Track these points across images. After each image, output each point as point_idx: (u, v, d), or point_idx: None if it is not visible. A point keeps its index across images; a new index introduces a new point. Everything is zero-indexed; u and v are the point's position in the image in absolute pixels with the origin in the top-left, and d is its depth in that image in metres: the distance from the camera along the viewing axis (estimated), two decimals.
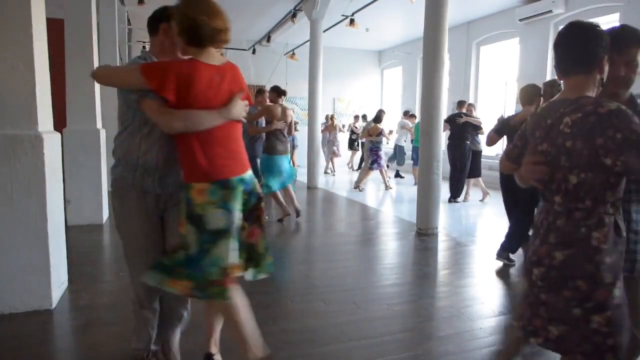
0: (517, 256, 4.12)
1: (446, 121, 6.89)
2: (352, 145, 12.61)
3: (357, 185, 9.03)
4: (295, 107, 12.84)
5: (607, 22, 7.73)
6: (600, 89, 1.49)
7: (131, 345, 2.19)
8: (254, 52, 12.45)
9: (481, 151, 7.60)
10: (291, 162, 10.93)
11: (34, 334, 2.60)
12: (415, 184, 7.81)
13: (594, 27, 1.45)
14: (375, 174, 9.36)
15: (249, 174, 1.90)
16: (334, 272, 3.90)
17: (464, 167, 7.45)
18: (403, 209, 7.27)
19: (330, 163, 12.30)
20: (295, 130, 10.82)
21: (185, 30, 1.76)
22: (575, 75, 1.46)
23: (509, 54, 9.72)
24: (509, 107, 9.43)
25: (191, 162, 1.80)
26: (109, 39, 8.10)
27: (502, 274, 3.91)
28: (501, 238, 4.14)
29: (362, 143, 10.82)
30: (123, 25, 10.11)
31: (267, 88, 5.94)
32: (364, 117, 12.26)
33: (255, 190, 1.93)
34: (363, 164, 9.98)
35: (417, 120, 9.19)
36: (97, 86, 5.37)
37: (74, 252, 3.78)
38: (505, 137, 4.16)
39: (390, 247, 4.92)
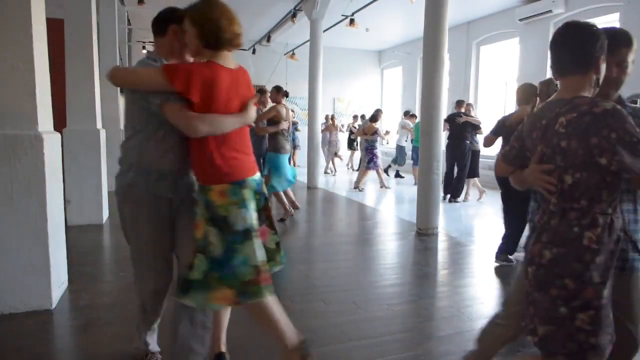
0: (517, 256, 4.12)
1: (446, 121, 6.90)
2: (351, 145, 12.62)
3: (357, 186, 9.03)
4: (295, 107, 12.84)
5: (607, 22, 7.72)
6: (596, 89, 1.49)
7: (133, 344, 2.20)
8: (254, 52, 12.45)
9: (479, 151, 7.60)
10: (292, 161, 10.98)
11: (34, 334, 2.60)
12: (415, 184, 7.81)
13: (590, 27, 1.45)
14: (374, 173, 9.35)
15: (258, 174, 1.94)
16: (334, 272, 3.90)
17: (464, 166, 7.45)
18: (403, 209, 7.27)
19: (330, 163, 12.30)
20: (297, 130, 10.87)
21: (206, 33, 1.77)
22: (571, 75, 1.47)
23: (509, 54, 9.72)
24: (509, 107, 9.43)
25: (209, 164, 1.81)
26: (109, 39, 8.09)
27: (502, 273, 3.91)
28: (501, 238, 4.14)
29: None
30: (123, 25, 10.11)
31: (268, 88, 5.95)
32: (363, 117, 12.27)
33: (263, 191, 1.97)
34: (361, 164, 10.00)
35: (418, 120, 9.19)
36: (97, 86, 5.37)
37: (74, 252, 3.78)
38: (501, 138, 4.12)
39: (390, 247, 4.92)
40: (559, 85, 1.64)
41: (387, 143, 14.74)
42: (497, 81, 10.20)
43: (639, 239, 1.62)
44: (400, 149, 10.84)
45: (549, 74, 9.03)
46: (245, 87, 1.91)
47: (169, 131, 1.83)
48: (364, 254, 4.65)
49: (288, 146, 5.62)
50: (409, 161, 10.59)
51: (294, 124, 10.13)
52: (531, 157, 1.54)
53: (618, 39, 1.55)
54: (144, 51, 12.53)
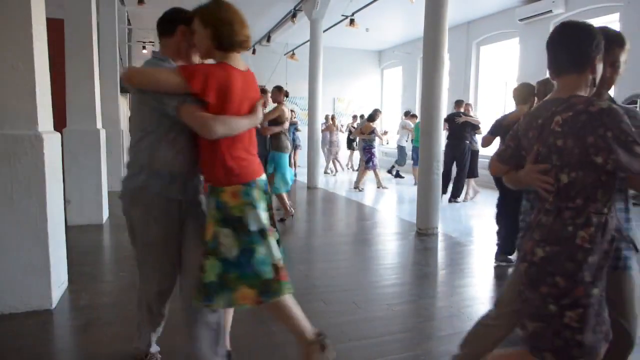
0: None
1: (445, 120, 6.90)
2: (350, 145, 12.63)
3: (357, 186, 9.03)
4: (295, 107, 12.84)
5: (607, 22, 7.72)
6: (593, 89, 1.49)
7: (133, 344, 2.19)
8: (254, 52, 12.45)
9: (478, 151, 7.60)
10: (293, 161, 10.98)
11: (34, 334, 2.60)
12: (415, 184, 7.81)
13: (587, 27, 1.46)
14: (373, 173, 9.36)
15: (264, 175, 1.97)
16: (334, 272, 3.90)
17: (464, 166, 7.45)
18: (403, 209, 7.27)
19: (330, 163, 12.30)
20: (297, 130, 10.87)
21: (220, 35, 1.79)
22: (567, 75, 1.47)
23: (509, 54, 9.72)
24: (509, 107, 9.42)
25: (221, 165, 1.82)
26: (109, 39, 8.10)
27: (502, 273, 3.91)
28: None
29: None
30: (123, 25, 10.11)
31: (268, 88, 5.96)
32: (362, 116, 12.28)
33: (268, 191, 2.00)
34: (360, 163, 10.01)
35: (418, 120, 9.19)
36: (97, 86, 5.38)
37: (74, 252, 3.79)
38: (499, 137, 4.13)
39: (390, 247, 4.92)
40: (555, 85, 1.65)
41: (387, 143, 14.79)
42: (497, 81, 10.20)
43: (631, 237, 1.64)
44: (400, 149, 10.84)
45: (548, 74, 9.05)
46: (253, 89, 1.93)
47: (180, 133, 1.83)
48: (364, 254, 4.65)
49: (290, 145, 5.73)
50: (409, 161, 10.59)
51: (293, 124, 10.14)
52: (527, 156, 1.55)
53: (612, 39, 1.56)
54: (144, 51, 12.54)
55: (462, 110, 7.64)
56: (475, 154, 7.56)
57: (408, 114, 11.02)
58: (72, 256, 3.46)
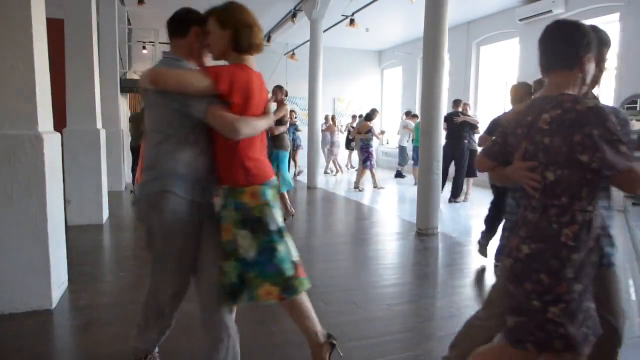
0: None
1: (444, 120, 6.91)
2: (349, 144, 12.64)
3: (357, 186, 9.03)
4: (295, 107, 12.84)
5: (607, 22, 7.73)
6: (583, 87, 1.50)
7: (131, 344, 2.16)
8: None
9: (477, 150, 7.60)
10: (294, 161, 10.99)
11: (34, 334, 2.60)
12: (415, 184, 7.81)
13: (578, 26, 1.46)
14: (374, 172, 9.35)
15: (274, 175, 2.00)
16: (334, 272, 3.90)
17: (462, 166, 7.45)
18: (403, 209, 7.27)
19: (331, 163, 12.31)
20: (298, 130, 10.88)
21: (240, 37, 1.82)
22: (556, 73, 1.48)
23: (509, 54, 9.72)
24: (509, 107, 9.41)
25: (240, 166, 1.84)
26: (109, 39, 8.10)
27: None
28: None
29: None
30: (123, 25, 10.11)
31: (268, 88, 5.98)
32: (361, 116, 12.28)
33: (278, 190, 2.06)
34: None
35: (419, 120, 9.19)
36: (97, 86, 5.38)
37: (74, 252, 3.79)
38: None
39: (390, 247, 4.92)
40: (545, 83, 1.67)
41: (387, 143, 14.79)
42: (497, 81, 10.20)
43: (614, 234, 1.68)
44: (401, 149, 10.84)
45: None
46: (264, 90, 1.96)
47: (199, 134, 1.83)
48: (364, 254, 4.65)
49: (289, 144, 5.84)
50: (410, 161, 10.60)
51: (293, 124, 10.13)
52: (514, 153, 1.56)
53: (600, 39, 1.56)
54: (144, 51, 12.55)
55: (460, 109, 7.64)
56: (473, 153, 7.55)
57: (409, 114, 11.02)
58: (72, 256, 3.46)
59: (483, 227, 4.25)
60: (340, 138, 12.60)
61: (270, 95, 5.90)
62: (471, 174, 7.62)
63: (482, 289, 3.60)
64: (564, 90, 1.45)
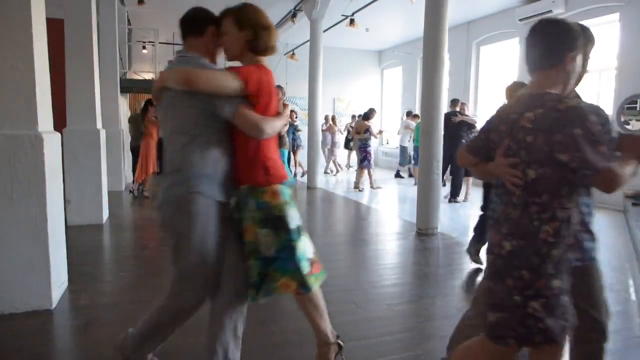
0: None
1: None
2: (348, 144, 12.64)
3: (357, 186, 9.03)
4: (295, 107, 12.85)
5: (607, 22, 7.73)
6: (570, 86, 1.50)
7: (126, 351, 2.05)
8: None
9: None
10: (294, 160, 10.98)
11: (34, 334, 2.60)
12: (415, 184, 7.81)
13: (562, 24, 1.47)
14: (375, 172, 9.35)
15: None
16: (334, 272, 3.90)
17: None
18: (403, 209, 7.27)
19: (331, 163, 12.31)
20: (298, 130, 10.88)
21: (259, 39, 1.85)
22: (540, 71, 1.49)
23: (509, 54, 9.72)
24: None
25: (262, 166, 1.87)
26: (109, 39, 8.11)
27: None
28: None
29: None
30: (123, 25, 10.11)
31: None
32: (360, 116, 12.29)
33: None
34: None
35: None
36: (97, 86, 5.38)
37: (74, 252, 3.79)
38: None
39: (390, 247, 4.92)
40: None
41: (387, 143, 14.78)
42: (497, 81, 10.20)
43: (595, 230, 1.70)
44: (403, 149, 10.83)
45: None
46: (276, 91, 1.98)
47: (222, 135, 1.84)
48: (364, 254, 4.65)
49: (287, 142, 5.97)
50: (411, 161, 10.60)
51: (292, 125, 10.12)
52: (495, 149, 1.57)
53: (585, 36, 1.57)
54: (144, 51, 12.54)
55: (457, 109, 7.64)
56: None
57: (410, 114, 11.02)
58: (72, 256, 3.46)
59: (472, 234, 4.22)
60: (341, 138, 12.61)
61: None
62: (469, 173, 7.62)
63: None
64: (548, 89, 1.46)
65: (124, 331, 2.11)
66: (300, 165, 11.20)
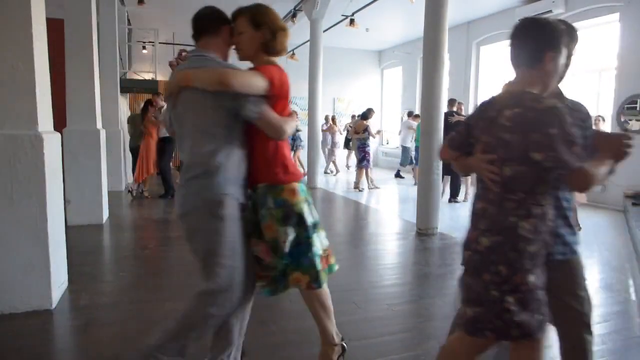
0: None
1: None
2: (347, 144, 12.64)
3: (357, 186, 9.03)
4: (295, 107, 12.84)
5: (607, 22, 7.73)
6: (550, 84, 1.51)
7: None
8: None
9: None
10: (299, 162, 10.97)
11: (34, 334, 2.59)
12: (415, 184, 7.81)
13: (542, 24, 1.48)
14: (374, 172, 9.35)
15: None
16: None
17: None
18: (403, 209, 7.27)
19: (331, 164, 12.31)
20: (298, 130, 10.88)
21: (276, 40, 1.88)
22: (521, 70, 1.51)
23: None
24: None
25: (281, 165, 1.88)
26: (109, 39, 8.11)
27: None
28: None
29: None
30: (123, 25, 10.11)
31: None
32: (359, 116, 12.28)
33: None
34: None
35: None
36: (97, 86, 5.38)
37: (74, 252, 3.78)
38: None
39: (391, 247, 4.92)
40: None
41: (387, 143, 14.78)
42: (497, 81, 10.20)
43: (575, 224, 1.72)
44: (405, 150, 10.83)
45: None
46: None
47: (242, 135, 1.84)
48: (364, 254, 4.65)
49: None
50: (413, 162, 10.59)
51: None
52: (476, 145, 1.59)
53: (569, 34, 1.58)
54: (144, 51, 12.54)
55: (454, 109, 7.64)
56: None
57: (411, 114, 11.01)
58: (72, 256, 3.46)
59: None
60: (341, 139, 12.62)
61: None
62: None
63: None
64: (527, 87, 1.48)
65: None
66: (301, 164, 11.20)
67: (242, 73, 1.74)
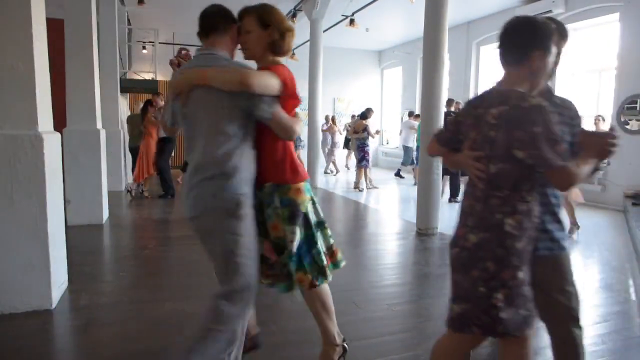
0: None
1: None
2: (347, 144, 12.64)
3: (357, 186, 9.03)
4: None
5: (607, 22, 7.73)
6: (534, 83, 1.51)
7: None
8: None
9: None
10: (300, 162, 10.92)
11: (34, 334, 2.59)
12: (415, 184, 7.81)
13: (532, 23, 1.50)
14: (374, 172, 9.34)
15: None
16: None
17: None
18: (403, 209, 7.27)
19: (331, 163, 12.31)
20: None
21: (283, 40, 1.87)
22: (508, 68, 1.53)
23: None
24: None
25: (289, 164, 1.89)
26: (109, 39, 8.10)
27: None
28: None
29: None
30: (123, 25, 10.11)
31: None
32: (359, 116, 12.27)
33: None
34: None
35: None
36: (97, 86, 5.38)
37: (74, 252, 3.78)
38: None
39: (391, 247, 4.92)
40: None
41: (388, 143, 14.78)
42: (497, 81, 10.20)
43: (564, 220, 1.73)
44: (406, 149, 10.83)
45: None
46: None
47: (254, 135, 1.84)
48: (364, 254, 4.65)
49: None
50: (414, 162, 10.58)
51: None
52: (464, 141, 1.60)
53: (559, 32, 1.58)
54: (144, 51, 12.53)
55: (452, 109, 7.65)
56: None
57: (412, 114, 11.01)
58: (72, 256, 3.46)
59: None
60: (340, 139, 12.62)
61: None
62: (465, 172, 7.60)
63: None
64: (514, 86, 1.49)
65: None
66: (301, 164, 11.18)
67: (260, 74, 1.74)
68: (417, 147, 8.92)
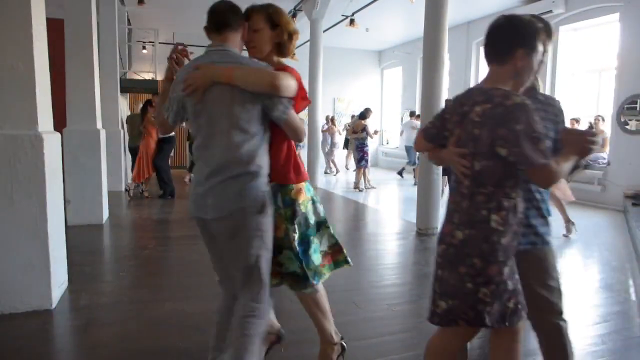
0: None
1: None
2: (347, 144, 12.63)
3: (357, 186, 9.03)
4: None
5: (607, 22, 7.73)
6: (519, 81, 1.52)
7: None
8: None
9: None
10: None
11: (34, 334, 2.59)
12: (415, 184, 7.81)
13: (517, 21, 1.50)
14: (375, 172, 9.35)
15: None
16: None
17: None
18: (403, 209, 7.27)
19: (330, 164, 12.31)
20: None
21: (290, 41, 1.89)
22: (492, 66, 1.54)
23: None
24: None
25: (293, 164, 1.90)
26: (109, 39, 8.10)
27: None
28: None
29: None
30: (123, 25, 10.11)
31: None
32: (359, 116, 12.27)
33: None
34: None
35: None
36: (97, 86, 5.38)
37: (74, 252, 3.78)
38: None
39: (391, 247, 4.92)
40: (539, 80, 1.74)
41: (387, 143, 14.78)
42: None
43: (548, 216, 1.75)
44: (409, 149, 10.83)
45: (549, 73, 8.97)
46: None
47: (268, 134, 1.84)
48: (364, 254, 4.65)
49: None
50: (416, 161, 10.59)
51: None
52: (450, 137, 1.61)
53: (544, 31, 1.59)
54: (144, 51, 12.52)
55: None
56: None
57: (414, 114, 11.01)
58: (72, 256, 3.46)
59: None
60: (340, 139, 12.62)
61: None
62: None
63: None
64: (497, 84, 1.50)
65: None
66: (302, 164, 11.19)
67: (284, 75, 1.73)
68: None
